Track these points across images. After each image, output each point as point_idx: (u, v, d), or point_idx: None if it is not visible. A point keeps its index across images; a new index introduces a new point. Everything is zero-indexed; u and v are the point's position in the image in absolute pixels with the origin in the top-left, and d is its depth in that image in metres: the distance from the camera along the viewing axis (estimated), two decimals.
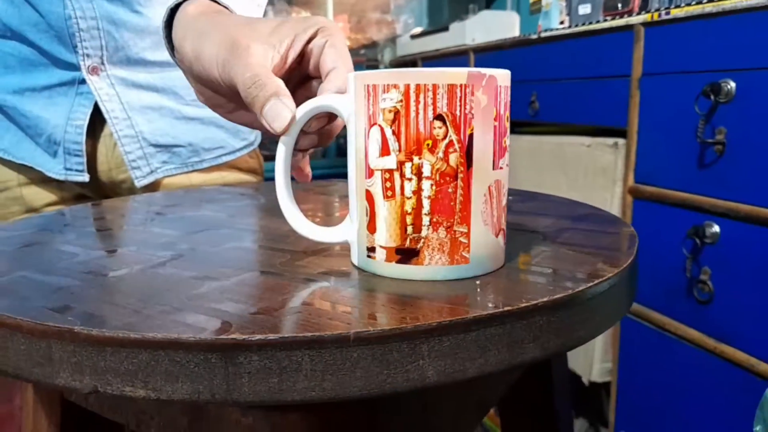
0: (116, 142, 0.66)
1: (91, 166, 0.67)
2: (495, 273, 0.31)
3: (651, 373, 1.01)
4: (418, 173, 0.28)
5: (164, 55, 0.67)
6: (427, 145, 0.28)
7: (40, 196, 0.69)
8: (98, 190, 0.70)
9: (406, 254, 0.29)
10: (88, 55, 0.63)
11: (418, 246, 0.29)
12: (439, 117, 0.27)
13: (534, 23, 1.66)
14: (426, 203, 0.28)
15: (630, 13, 1.06)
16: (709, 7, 0.84)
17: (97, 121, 0.66)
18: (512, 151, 1.35)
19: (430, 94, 0.27)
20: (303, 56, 0.37)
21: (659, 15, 0.93)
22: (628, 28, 0.99)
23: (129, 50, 0.65)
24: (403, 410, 0.32)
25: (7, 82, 0.65)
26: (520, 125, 1.41)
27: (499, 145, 0.30)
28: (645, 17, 0.96)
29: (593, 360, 1.11)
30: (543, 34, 1.23)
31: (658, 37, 0.94)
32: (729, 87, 0.81)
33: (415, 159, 0.28)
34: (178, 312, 0.25)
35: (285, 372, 0.22)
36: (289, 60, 0.36)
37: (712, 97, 0.83)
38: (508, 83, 0.30)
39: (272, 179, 0.84)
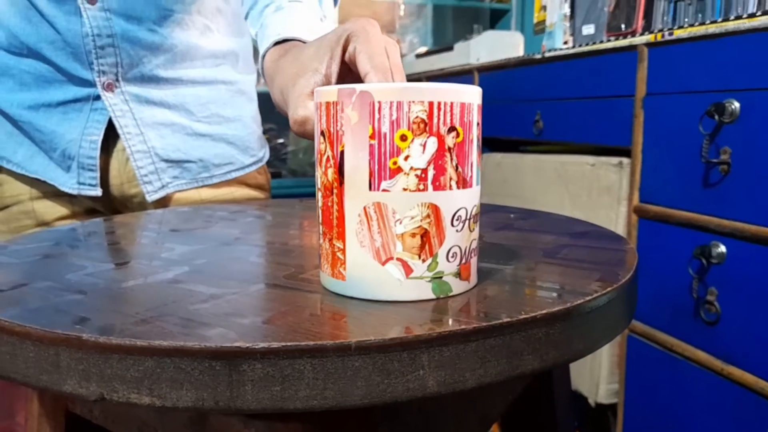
0: (128, 157, 0.68)
1: (104, 180, 0.68)
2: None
3: (658, 394, 1.00)
4: (319, 184, 0.31)
5: (176, 72, 0.68)
6: (318, 159, 0.30)
7: (51, 210, 0.70)
8: (109, 204, 0.71)
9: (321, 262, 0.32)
10: (103, 72, 0.65)
11: (320, 253, 0.31)
12: (322, 133, 0.30)
13: (538, 43, 1.68)
14: (318, 213, 0.31)
15: (633, 34, 1.08)
16: (712, 28, 0.85)
17: (110, 136, 0.67)
18: (516, 170, 1.36)
19: (319, 111, 0.30)
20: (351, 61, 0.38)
21: (662, 36, 0.94)
22: (632, 48, 1.00)
23: (143, 67, 0.66)
24: (404, 424, 0.32)
25: (23, 98, 0.66)
26: (524, 144, 1.42)
27: (380, 165, 0.28)
28: (648, 38, 0.97)
29: (599, 381, 1.10)
30: (547, 54, 1.24)
31: (661, 57, 0.95)
32: (733, 107, 0.82)
33: (317, 171, 0.31)
34: (184, 321, 0.26)
35: (287, 380, 0.22)
36: (333, 75, 0.38)
37: (717, 117, 0.83)
38: (398, 98, 0.27)
39: (281, 196, 0.86)
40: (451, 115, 0.28)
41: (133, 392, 0.23)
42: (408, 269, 0.28)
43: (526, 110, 1.32)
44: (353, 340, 0.23)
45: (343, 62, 0.38)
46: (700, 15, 1.05)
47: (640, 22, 1.08)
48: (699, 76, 0.89)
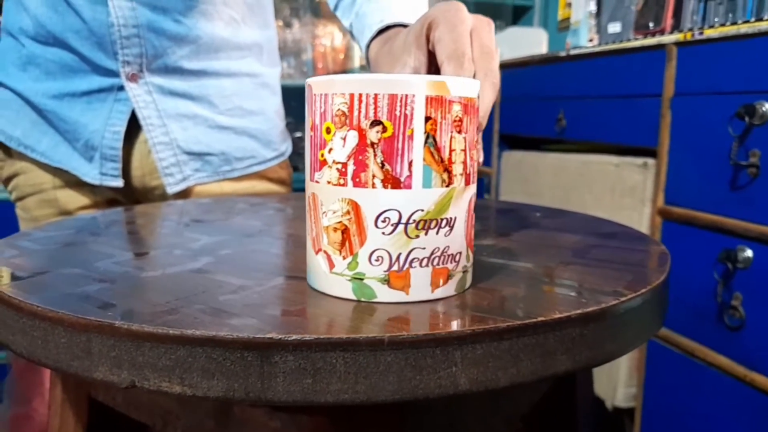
0: (150, 149, 0.68)
1: (125, 171, 0.69)
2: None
3: (677, 399, 0.98)
4: None
5: (201, 64, 0.69)
6: None
7: (74, 199, 0.71)
8: (131, 195, 0.72)
9: None
10: (127, 62, 0.65)
11: None
12: None
13: (562, 41, 1.66)
14: None
15: (662, 33, 1.06)
16: (744, 28, 0.83)
17: (132, 127, 0.67)
18: (537, 169, 1.34)
19: None
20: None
21: (692, 35, 0.92)
22: (660, 47, 0.98)
23: (167, 58, 0.66)
24: (429, 423, 0.32)
25: (48, 88, 0.67)
26: (546, 143, 1.40)
27: (314, 157, 0.28)
28: (677, 37, 0.95)
29: (617, 384, 1.09)
30: (572, 52, 1.22)
31: (690, 57, 0.93)
32: (764, 109, 0.80)
33: None
34: (214, 311, 0.26)
35: (319, 373, 0.22)
36: (422, 66, 0.36)
37: (747, 119, 0.81)
38: (325, 91, 0.27)
39: (300, 190, 0.86)
40: (375, 108, 0.26)
41: (164, 381, 0.23)
42: (331, 263, 0.28)
43: (549, 108, 1.31)
44: (386, 335, 0.22)
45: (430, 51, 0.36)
46: (730, 14, 1.03)
47: (669, 21, 1.06)
48: (729, 76, 0.87)
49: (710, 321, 0.91)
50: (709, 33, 0.89)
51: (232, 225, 0.48)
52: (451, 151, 0.27)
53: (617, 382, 1.09)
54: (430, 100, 0.26)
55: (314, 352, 0.22)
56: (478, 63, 0.33)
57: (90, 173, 0.68)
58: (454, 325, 0.24)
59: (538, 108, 1.35)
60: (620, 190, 1.09)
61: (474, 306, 0.27)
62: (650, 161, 1.03)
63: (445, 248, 0.27)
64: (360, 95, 0.26)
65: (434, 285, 0.28)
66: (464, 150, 0.27)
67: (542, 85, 1.34)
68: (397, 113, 0.26)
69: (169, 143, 0.68)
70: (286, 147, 0.81)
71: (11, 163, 0.71)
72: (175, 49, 0.66)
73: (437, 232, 0.27)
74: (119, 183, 0.68)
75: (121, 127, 0.66)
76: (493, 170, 1.56)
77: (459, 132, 0.27)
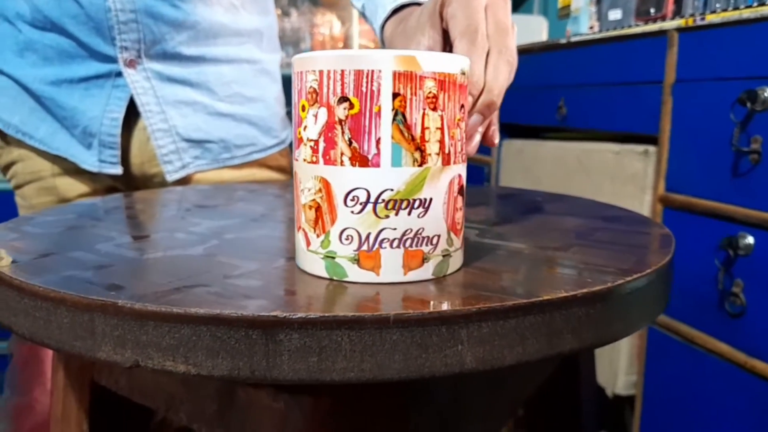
0: (149, 136, 0.67)
1: (125, 159, 0.68)
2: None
3: (678, 387, 0.98)
4: None
5: (200, 50, 0.68)
6: None
7: (73, 187, 0.70)
8: (130, 183, 0.71)
9: None
10: (125, 48, 0.64)
11: None
12: None
13: (562, 28, 1.65)
14: None
15: (663, 19, 1.05)
16: (746, 13, 0.83)
17: (131, 114, 0.67)
18: (537, 157, 1.34)
19: None
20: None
21: (694, 20, 0.91)
22: (662, 33, 0.98)
23: (166, 44, 0.66)
24: (434, 403, 0.32)
25: (46, 74, 0.66)
26: (546, 131, 1.40)
27: (296, 135, 0.28)
28: (679, 22, 0.94)
29: (618, 371, 1.09)
30: (572, 39, 1.22)
31: (692, 43, 0.93)
32: (766, 95, 0.80)
33: None
34: (219, 291, 0.25)
35: (324, 351, 0.22)
36: (437, 44, 0.34)
37: (749, 104, 0.81)
38: (301, 68, 0.27)
39: None
40: (342, 84, 0.25)
41: (168, 360, 0.23)
42: (308, 241, 0.28)
43: (549, 96, 1.30)
44: (392, 313, 0.22)
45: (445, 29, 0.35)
46: (732, 0, 1.02)
47: (670, 7, 1.06)
48: (731, 62, 0.86)
49: (711, 308, 0.92)
50: (711, 18, 0.89)
51: (234, 210, 0.47)
52: (424, 129, 0.26)
53: (618, 369, 1.09)
54: (398, 76, 0.25)
55: (320, 330, 0.22)
56: (493, 39, 0.32)
57: (88, 160, 0.68)
58: (459, 304, 0.24)
59: (539, 96, 1.35)
60: (621, 178, 1.09)
61: (479, 285, 0.27)
62: (651, 149, 1.02)
63: (419, 230, 0.27)
64: (329, 72, 0.25)
65: (407, 267, 0.27)
66: (441, 128, 0.26)
67: (542, 73, 1.33)
68: (364, 89, 0.25)
69: (168, 130, 0.68)
70: (287, 134, 0.80)
71: (9, 150, 0.71)
72: (174, 34, 0.66)
73: (409, 213, 0.26)
74: (118, 170, 0.67)
75: (119, 114, 0.66)
76: (493, 159, 1.56)
77: (434, 109, 0.26)
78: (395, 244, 0.26)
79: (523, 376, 0.37)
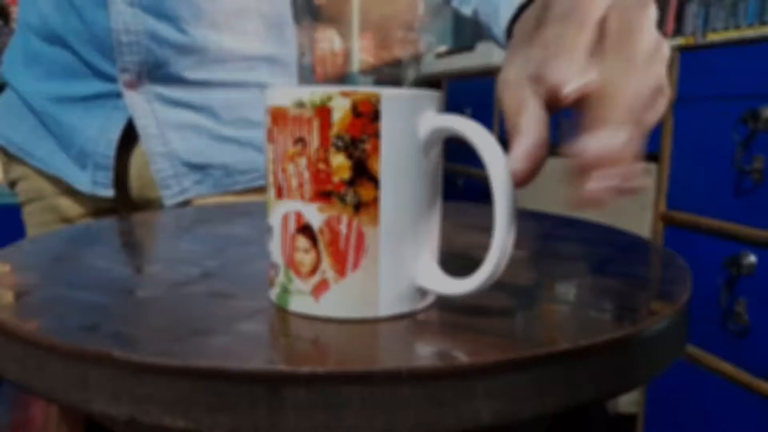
0: (148, 160, 0.66)
1: (123, 182, 0.67)
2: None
3: (680, 406, 0.97)
4: None
5: (205, 74, 0.66)
6: None
7: (74, 207, 0.69)
8: (129, 206, 0.70)
9: None
10: (126, 69, 0.63)
11: None
12: None
13: None
14: None
15: (664, 37, 1.05)
16: (748, 32, 0.83)
17: (132, 137, 0.65)
18: (541, 175, 1.33)
19: None
20: None
21: (695, 39, 0.91)
22: None
23: (169, 68, 0.64)
24: None
25: (49, 89, 0.65)
26: None
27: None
28: (680, 41, 0.94)
29: None
30: None
31: (693, 61, 0.93)
32: None
33: None
34: (219, 338, 0.24)
35: (333, 408, 0.21)
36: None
37: (751, 124, 0.81)
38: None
39: None
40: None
41: (166, 415, 0.22)
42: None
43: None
44: (404, 367, 0.21)
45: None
46: (732, 19, 1.02)
47: (671, 25, 1.06)
48: (733, 81, 0.86)
49: (714, 327, 0.91)
50: (712, 37, 0.89)
51: (229, 235, 0.46)
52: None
53: None
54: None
55: (328, 385, 0.21)
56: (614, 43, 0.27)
57: (82, 181, 0.66)
58: (473, 358, 0.22)
59: None
60: None
61: (489, 331, 0.25)
62: (651, 166, 1.02)
63: (269, 252, 0.29)
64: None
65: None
66: (273, 161, 0.27)
67: None
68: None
69: (167, 154, 0.66)
70: None
71: (14, 168, 0.70)
72: (179, 58, 0.64)
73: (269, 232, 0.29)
74: (109, 193, 0.65)
75: (115, 135, 0.65)
76: None
77: (269, 141, 0.27)
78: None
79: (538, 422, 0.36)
